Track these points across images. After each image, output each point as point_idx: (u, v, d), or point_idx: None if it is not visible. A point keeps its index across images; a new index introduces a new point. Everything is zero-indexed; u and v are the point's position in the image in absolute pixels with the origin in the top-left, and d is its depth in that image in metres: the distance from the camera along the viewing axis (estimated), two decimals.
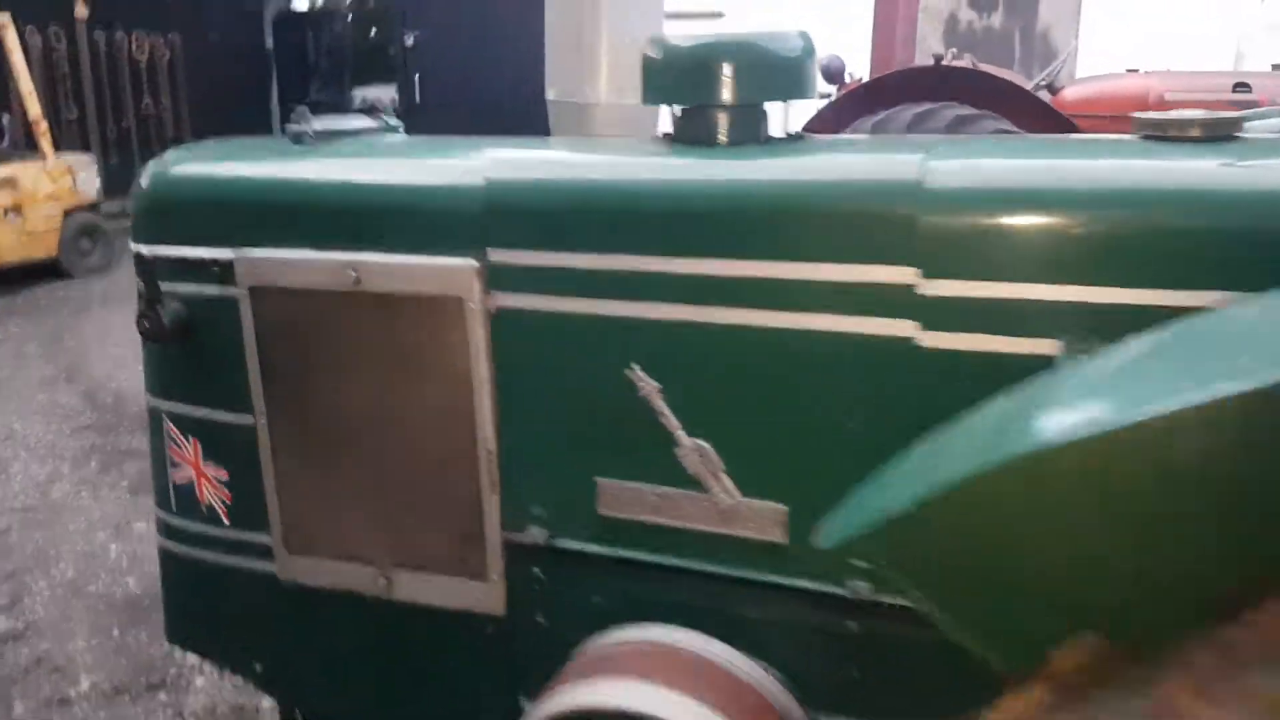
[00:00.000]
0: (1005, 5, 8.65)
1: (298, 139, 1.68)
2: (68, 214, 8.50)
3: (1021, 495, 0.78)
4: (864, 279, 1.24)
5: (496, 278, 1.44)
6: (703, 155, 1.44)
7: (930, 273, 1.20)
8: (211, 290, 1.63)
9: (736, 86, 1.41)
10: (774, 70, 1.43)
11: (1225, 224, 1.14)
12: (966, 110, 4.39)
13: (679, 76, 1.47)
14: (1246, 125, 1.28)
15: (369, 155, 1.69)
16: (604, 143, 1.74)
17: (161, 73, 12.44)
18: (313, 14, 17.02)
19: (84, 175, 8.78)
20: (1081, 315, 1.15)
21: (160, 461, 1.80)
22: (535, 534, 1.50)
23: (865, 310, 1.25)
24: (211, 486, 1.74)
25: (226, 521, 1.74)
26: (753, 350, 1.32)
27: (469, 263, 1.45)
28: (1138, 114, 1.29)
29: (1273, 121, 1.77)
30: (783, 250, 1.29)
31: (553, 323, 1.43)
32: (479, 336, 1.46)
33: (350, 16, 15.17)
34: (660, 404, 1.38)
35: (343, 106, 14.36)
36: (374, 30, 19.51)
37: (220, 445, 1.71)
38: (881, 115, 4.63)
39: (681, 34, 1.50)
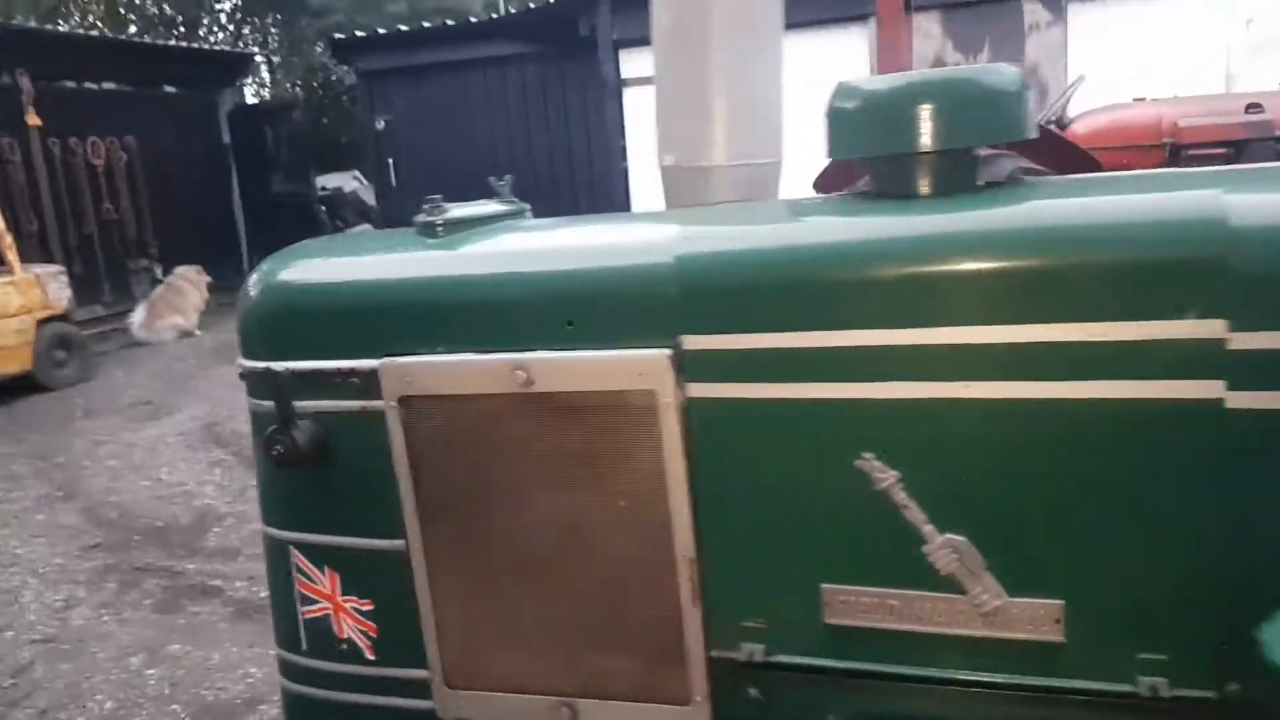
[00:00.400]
0: (991, 45, 8.78)
1: (428, 230, 1.53)
2: (40, 325, 8.22)
3: None
4: (1158, 335, 1.10)
5: (692, 366, 1.29)
6: (922, 210, 1.30)
7: (1244, 323, 1.07)
8: (349, 405, 1.46)
9: (947, 130, 1.28)
10: (987, 110, 1.30)
11: None
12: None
13: (877, 123, 1.33)
14: None
15: (520, 242, 1.54)
16: (794, 205, 1.60)
17: (120, 176, 12.22)
18: (267, 106, 16.97)
19: (54, 286, 8.55)
20: None
21: (286, 598, 1.60)
22: (749, 649, 1.33)
23: (1158, 373, 1.11)
24: (353, 620, 1.55)
25: (372, 657, 1.55)
26: (1015, 426, 1.18)
27: (661, 353, 1.29)
28: None
29: None
30: (1041, 312, 1.15)
31: (760, 412, 1.28)
32: (674, 433, 1.30)
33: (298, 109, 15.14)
34: (902, 496, 1.22)
35: (308, 196, 14.23)
36: (324, 119, 19.51)
37: (364, 575, 1.53)
38: None
39: (868, 79, 1.37)
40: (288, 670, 1.65)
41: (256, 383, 1.55)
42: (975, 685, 1.25)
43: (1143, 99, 5.95)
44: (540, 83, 11.61)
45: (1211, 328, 1.08)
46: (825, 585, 1.29)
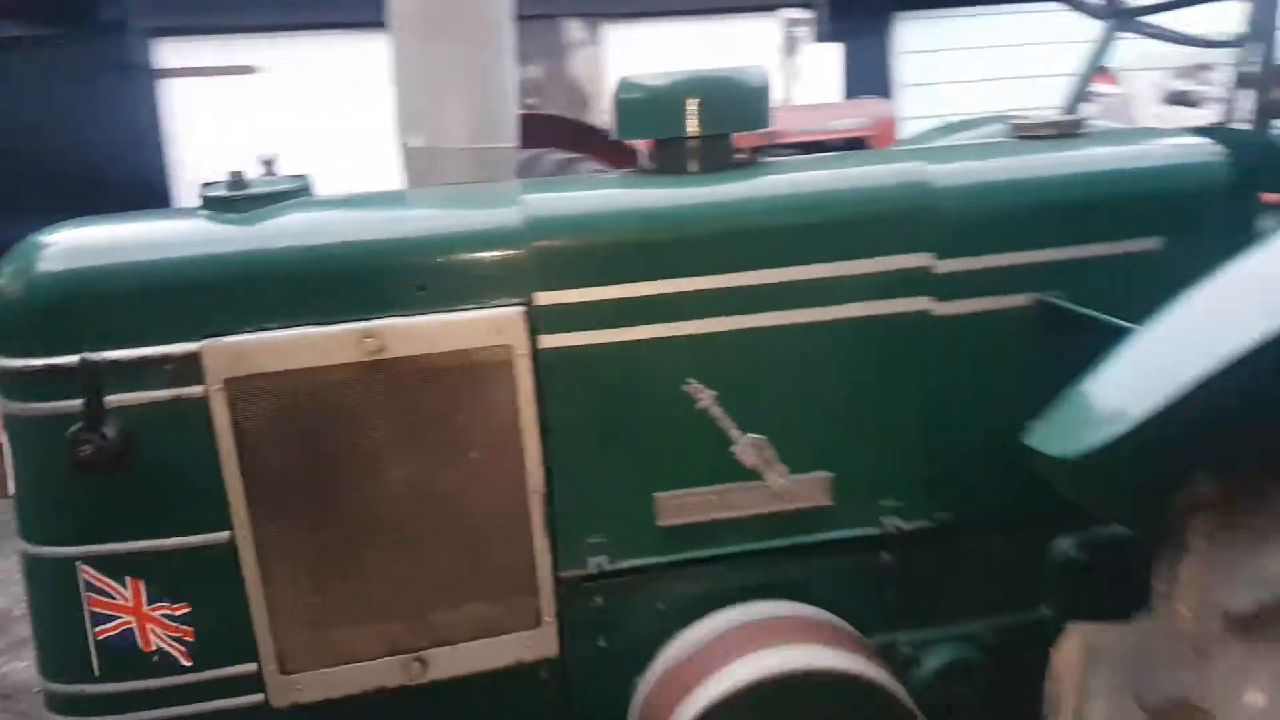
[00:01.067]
0: (538, 58, 9.35)
1: (227, 206, 1.47)
2: None
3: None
4: (886, 268, 1.53)
5: (543, 319, 1.46)
6: (701, 183, 1.60)
7: (947, 251, 1.53)
8: (160, 394, 1.38)
9: (711, 118, 1.58)
10: (742, 103, 1.62)
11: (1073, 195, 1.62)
12: (566, 154, 4.80)
13: (656, 112, 1.60)
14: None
15: (348, 214, 1.55)
16: (599, 180, 1.78)
17: None
18: None
19: None
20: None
21: (66, 623, 1.43)
22: (595, 562, 1.54)
23: (887, 294, 1.54)
24: (163, 628, 1.44)
25: (188, 663, 1.46)
26: (791, 344, 1.54)
27: (516, 309, 1.45)
28: (1020, 121, 1.76)
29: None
30: (811, 254, 1.52)
31: (602, 354, 1.49)
32: (527, 382, 1.46)
33: None
34: (717, 410, 1.52)
35: None
36: None
37: (177, 577, 1.43)
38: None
39: (644, 73, 1.63)
40: (70, 705, 1.47)
41: (24, 383, 1.37)
42: (772, 551, 1.60)
43: None
44: (57, 69, 9.76)
45: (922, 259, 1.54)
46: (658, 494, 1.54)
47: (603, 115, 6.59)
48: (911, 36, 9.93)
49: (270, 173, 1.63)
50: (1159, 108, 7.71)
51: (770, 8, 9.09)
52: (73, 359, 1.33)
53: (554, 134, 5.10)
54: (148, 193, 9.40)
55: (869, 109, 6.72)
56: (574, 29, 9.52)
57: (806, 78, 7.88)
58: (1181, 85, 7.14)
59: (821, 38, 8.52)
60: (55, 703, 1.49)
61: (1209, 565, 1.14)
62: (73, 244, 1.44)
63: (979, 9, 9.47)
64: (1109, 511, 1.41)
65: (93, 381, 1.31)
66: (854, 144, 6.29)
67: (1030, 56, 8.92)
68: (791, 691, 1.42)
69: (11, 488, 1.43)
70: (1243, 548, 1.12)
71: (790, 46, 7.54)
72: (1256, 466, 1.15)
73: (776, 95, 7.37)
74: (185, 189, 9.60)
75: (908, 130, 7.24)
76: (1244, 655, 1.05)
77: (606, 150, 5.10)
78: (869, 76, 9.02)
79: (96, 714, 1.47)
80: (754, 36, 9.09)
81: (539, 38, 9.58)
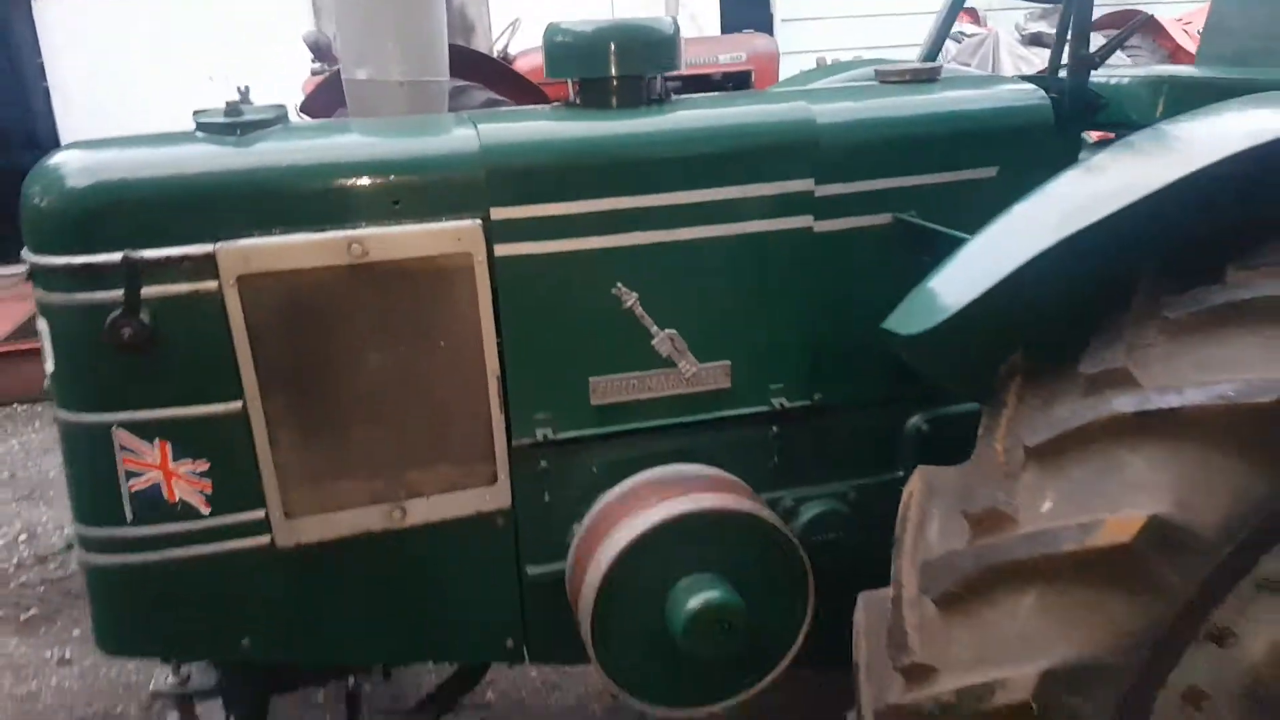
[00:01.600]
0: None
1: (227, 130, 1.68)
2: None
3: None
4: (777, 191, 1.84)
5: (498, 231, 1.73)
6: (630, 116, 1.87)
7: (825, 178, 1.86)
8: (180, 288, 1.61)
9: (630, 60, 1.86)
10: (655, 48, 1.90)
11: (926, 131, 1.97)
12: (458, 82, 4.92)
13: (582, 54, 1.87)
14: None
15: (336, 136, 1.76)
16: (530, 112, 2.01)
17: None
18: None
19: None
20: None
21: (102, 478, 1.67)
22: (540, 433, 1.84)
23: (776, 213, 1.85)
24: (186, 483, 1.69)
25: (206, 511, 1.71)
26: (702, 255, 1.85)
27: (474, 222, 1.71)
28: (883, 68, 2.08)
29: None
30: (714, 179, 1.82)
31: (547, 261, 1.77)
32: (485, 283, 1.74)
33: None
34: (639, 309, 1.83)
35: None
36: None
37: (198, 439, 1.68)
38: None
39: (571, 21, 1.88)
40: (105, 545, 1.71)
41: (63, 278, 1.58)
42: (683, 425, 1.93)
43: None
44: None
45: (804, 184, 1.87)
46: (592, 378, 1.85)
47: (489, 45, 6.67)
48: None
49: (246, 100, 1.83)
50: (1018, 47, 8.29)
51: None
52: (109, 256, 1.54)
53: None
54: (23, 110, 8.91)
55: (752, 43, 7.01)
56: None
57: (689, 11, 8.11)
58: (1037, 28, 7.71)
59: None
60: (91, 544, 1.73)
61: (1016, 415, 1.53)
62: (96, 161, 1.64)
63: None
64: (949, 381, 1.78)
65: (132, 275, 1.52)
66: (739, 77, 6.60)
67: None
68: (697, 526, 1.77)
69: (50, 367, 1.65)
70: (1039, 402, 1.50)
71: None
72: (1052, 344, 1.53)
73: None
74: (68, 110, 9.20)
75: (787, 64, 7.58)
76: (1038, 476, 1.43)
77: (493, 79, 5.26)
78: (747, 11, 9.30)
79: (128, 552, 1.71)
80: None
81: None
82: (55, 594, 3.94)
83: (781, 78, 7.48)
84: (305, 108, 5.78)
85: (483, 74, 5.27)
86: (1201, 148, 1.44)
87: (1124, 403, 1.38)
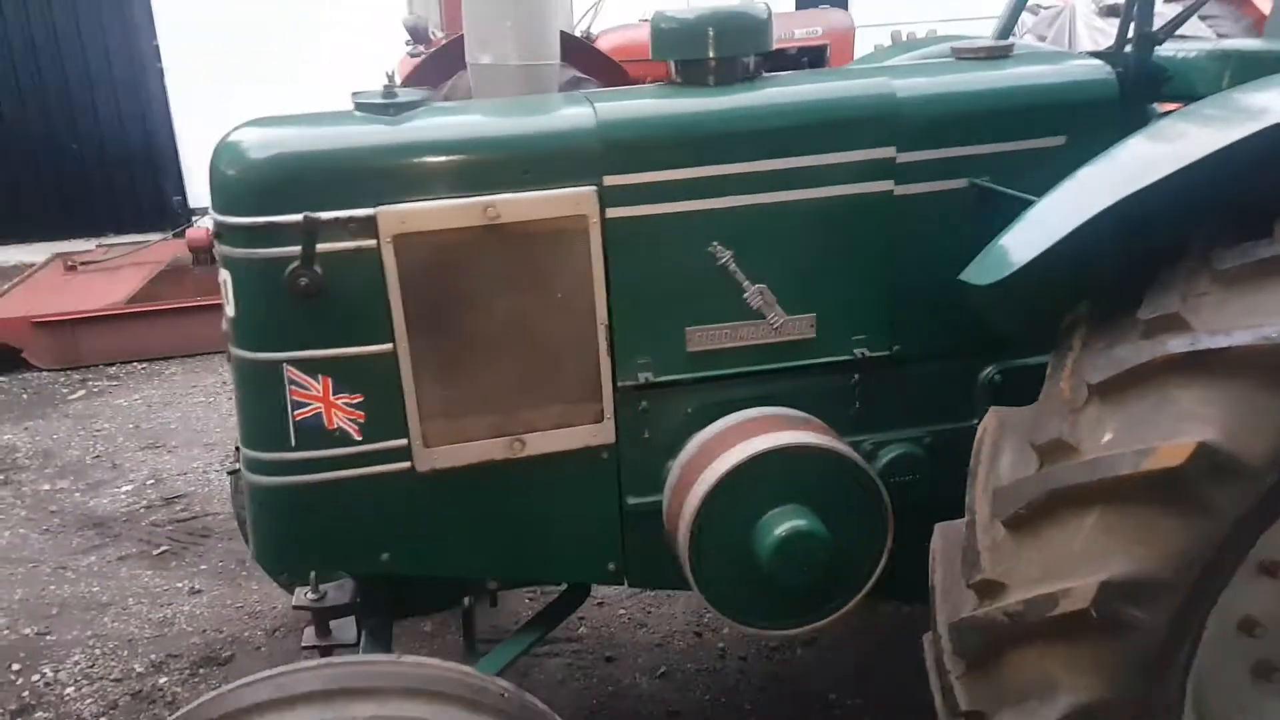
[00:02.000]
0: None
1: (383, 110, 1.91)
2: None
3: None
4: (862, 158, 2.02)
5: (610, 196, 1.93)
6: (728, 93, 2.06)
7: (906, 148, 2.03)
8: (345, 245, 1.84)
9: (726, 43, 2.05)
10: (749, 32, 2.08)
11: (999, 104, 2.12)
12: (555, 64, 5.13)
13: (685, 38, 2.06)
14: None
15: (473, 115, 1.99)
16: (637, 90, 2.23)
17: None
18: None
19: None
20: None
21: (272, 409, 1.92)
22: (642, 377, 2.05)
23: (861, 178, 2.03)
24: (343, 413, 1.94)
25: (359, 438, 1.95)
26: (791, 216, 2.03)
27: (591, 188, 1.92)
28: (959, 45, 2.23)
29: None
30: (806, 147, 2.00)
31: (653, 223, 1.97)
32: (598, 242, 1.95)
33: None
34: (734, 266, 2.02)
35: None
36: None
37: (355, 375, 1.92)
38: (449, 83, 5.20)
39: (674, 8, 2.07)
40: (271, 467, 1.96)
41: (247, 235, 1.83)
42: (771, 371, 2.12)
43: (647, 20, 7.19)
44: None
45: (887, 152, 2.03)
46: (688, 328, 2.05)
47: (571, 25, 6.86)
48: None
49: (392, 86, 2.06)
50: (1095, 19, 8.21)
51: None
52: (288, 218, 1.77)
53: None
54: (136, 92, 9.37)
55: (828, 18, 7.09)
56: None
57: None
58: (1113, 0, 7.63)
59: None
60: (257, 466, 1.98)
61: (1081, 357, 1.69)
62: (275, 137, 1.89)
63: None
64: (1020, 331, 1.94)
65: (311, 233, 1.76)
66: (814, 52, 6.69)
67: None
68: (783, 461, 1.96)
69: (231, 312, 1.91)
70: (1102, 345, 1.66)
71: None
72: (1114, 295, 1.69)
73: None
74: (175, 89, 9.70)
75: (863, 38, 7.63)
76: (1099, 411, 1.60)
77: (578, 57, 5.46)
78: None
79: (292, 474, 1.96)
80: None
81: None
82: (182, 533, 4.33)
83: (857, 52, 7.54)
84: (408, 82, 6.05)
85: (567, 53, 5.45)
86: (1252, 116, 1.58)
87: (1177, 344, 1.54)
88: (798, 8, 8.59)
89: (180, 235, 8.74)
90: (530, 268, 1.95)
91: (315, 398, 1.91)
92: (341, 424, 1.94)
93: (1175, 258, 1.65)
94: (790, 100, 2.08)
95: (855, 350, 2.13)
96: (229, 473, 3.01)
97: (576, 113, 1.99)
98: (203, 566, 4.03)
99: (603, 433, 2.07)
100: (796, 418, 2.08)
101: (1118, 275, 1.70)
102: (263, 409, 1.94)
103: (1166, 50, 2.33)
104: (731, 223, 2.01)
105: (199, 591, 3.83)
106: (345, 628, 2.27)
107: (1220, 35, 6.97)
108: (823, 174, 2.02)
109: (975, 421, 2.16)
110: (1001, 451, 1.76)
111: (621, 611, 3.41)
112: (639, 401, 2.08)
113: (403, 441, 1.98)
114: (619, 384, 2.05)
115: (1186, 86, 2.29)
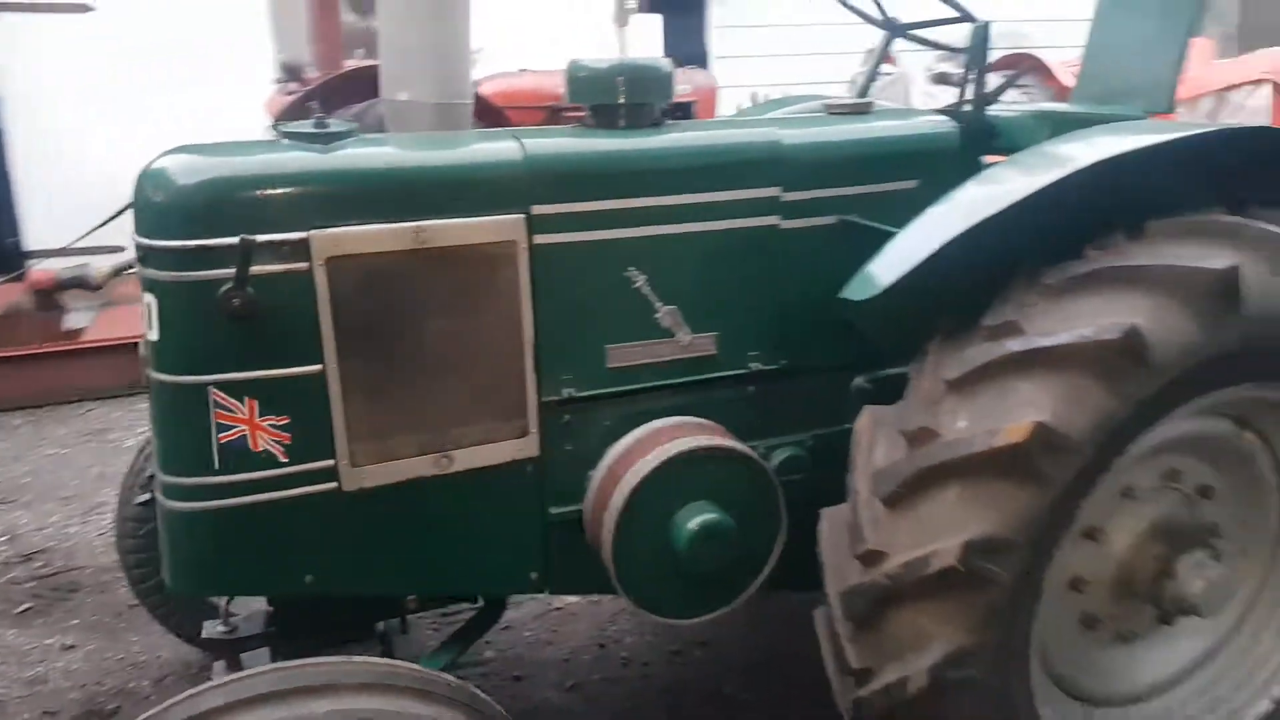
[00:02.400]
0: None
1: (315, 139, 2.06)
2: None
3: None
4: (751, 195, 2.32)
5: (537, 225, 2.14)
6: (637, 135, 2.31)
7: (790, 188, 2.34)
8: (276, 267, 1.94)
9: (635, 91, 2.32)
10: (655, 82, 2.35)
11: (866, 152, 2.48)
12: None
13: (598, 85, 2.31)
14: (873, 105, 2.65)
15: (404, 145, 2.16)
16: (558, 130, 2.45)
17: None
18: None
19: None
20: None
21: (195, 432, 1.96)
22: (565, 392, 2.26)
23: (753, 213, 2.33)
24: (268, 434, 2.00)
25: (285, 460, 2.02)
26: (695, 245, 2.30)
27: (520, 216, 2.13)
28: (830, 102, 2.58)
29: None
30: (707, 185, 2.28)
31: (575, 250, 2.19)
32: (525, 266, 2.14)
33: None
34: (647, 289, 2.27)
35: None
36: None
37: (282, 397, 1.99)
38: (356, 109, 5.35)
39: (589, 58, 2.34)
40: (192, 492, 1.99)
41: (176, 259, 1.91)
42: (679, 384, 2.37)
43: (526, 70, 7.51)
44: None
45: (774, 191, 2.34)
46: (608, 345, 2.28)
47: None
48: (724, 12, 10.87)
49: (323, 117, 2.22)
50: (927, 85, 9.04)
51: None
52: (220, 240, 1.87)
53: None
54: None
55: (694, 77, 7.57)
56: None
57: (635, 46, 8.65)
58: (943, 68, 8.45)
59: (643, 9, 9.30)
60: (176, 492, 1.99)
61: (938, 359, 2.02)
62: (203, 163, 1.96)
63: None
64: (888, 342, 2.26)
65: (246, 254, 1.84)
66: (683, 107, 7.11)
67: (824, 35, 10.02)
68: (693, 463, 2.20)
69: (154, 336, 1.95)
70: (953, 349, 1.99)
71: (621, 17, 8.24)
72: (962, 309, 2.03)
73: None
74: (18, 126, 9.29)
75: (724, 97, 8.16)
76: (955, 402, 1.92)
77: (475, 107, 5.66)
78: (687, 48, 9.88)
79: (215, 498, 1.99)
80: (584, 5, 9.74)
81: None
82: (46, 589, 4.09)
83: (718, 110, 8.05)
84: (278, 125, 6.09)
85: None
86: (1060, 163, 1.97)
87: (1015, 344, 1.88)
88: None
89: (18, 279, 8.35)
90: (460, 290, 2.12)
91: (241, 420, 1.97)
92: (267, 446, 2.00)
93: (1010, 277, 2.01)
94: (692, 144, 2.38)
95: (751, 364, 2.42)
96: (138, 503, 3.00)
97: (505, 147, 2.19)
98: (74, 621, 3.84)
99: (528, 446, 2.24)
100: (703, 425, 2.33)
101: (965, 293, 2.05)
102: (184, 433, 1.96)
103: (996, 110, 2.76)
104: (644, 250, 2.26)
105: (72, 647, 3.65)
106: (257, 659, 2.28)
107: (1031, 100, 7.83)
108: (720, 209, 2.30)
109: (849, 426, 2.48)
110: (876, 442, 2.06)
111: (527, 633, 3.54)
112: (562, 415, 2.28)
113: (329, 462, 2.04)
114: (544, 399, 2.24)
115: (1012, 141, 2.71)
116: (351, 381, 2.06)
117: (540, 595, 3.01)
